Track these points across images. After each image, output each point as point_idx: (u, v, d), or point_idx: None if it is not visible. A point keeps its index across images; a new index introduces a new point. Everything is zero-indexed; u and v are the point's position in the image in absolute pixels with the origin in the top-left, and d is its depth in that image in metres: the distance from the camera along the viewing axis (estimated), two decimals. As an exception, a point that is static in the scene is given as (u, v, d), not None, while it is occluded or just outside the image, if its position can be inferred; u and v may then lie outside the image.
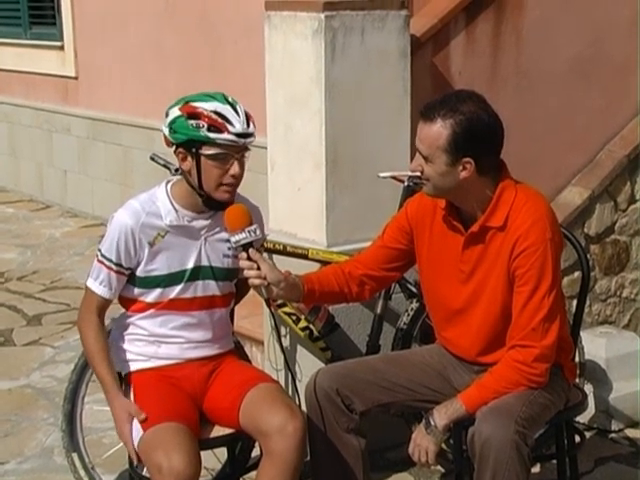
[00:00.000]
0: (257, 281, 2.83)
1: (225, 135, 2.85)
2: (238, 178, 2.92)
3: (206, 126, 2.83)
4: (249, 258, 2.83)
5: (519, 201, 2.83)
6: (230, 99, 2.93)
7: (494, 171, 2.86)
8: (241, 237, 2.82)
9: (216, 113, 2.85)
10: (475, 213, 2.87)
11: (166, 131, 2.92)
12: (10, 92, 8.55)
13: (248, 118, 2.91)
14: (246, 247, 2.83)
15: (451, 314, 3.01)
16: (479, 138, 2.77)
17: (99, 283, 2.97)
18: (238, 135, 2.86)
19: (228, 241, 2.98)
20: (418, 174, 2.86)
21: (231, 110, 2.88)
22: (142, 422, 2.85)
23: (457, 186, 2.81)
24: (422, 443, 2.80)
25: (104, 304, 3.00)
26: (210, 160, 2.87)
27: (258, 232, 2.85)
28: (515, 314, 2.82)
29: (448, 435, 2.81)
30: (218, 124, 2.84)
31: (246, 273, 2.85)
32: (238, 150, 2.89)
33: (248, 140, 2.89)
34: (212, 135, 2.84)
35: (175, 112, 2.89)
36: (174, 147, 2.93)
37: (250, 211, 2.90)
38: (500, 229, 2.83)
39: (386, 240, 3.10)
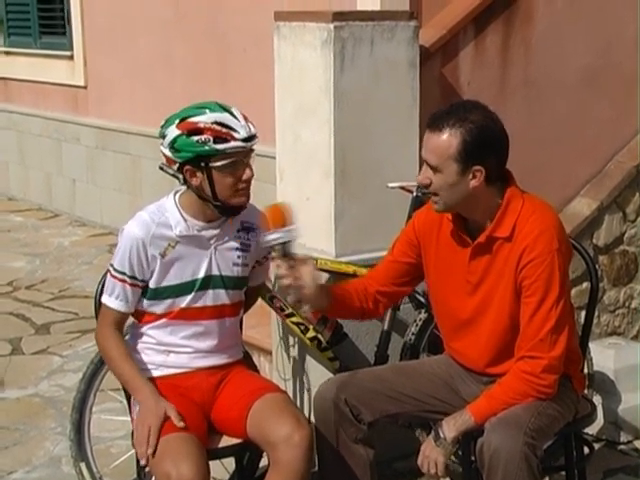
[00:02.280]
0: (287, 281, 2.81)
1: (232, 143, 2.85)
2: (250, 181, 2.93)
3: (212, 139, 2.83)
4: (284, 257, 2.80)
5: (526, 211, 2.82)
6: (224, 106, 2.92)
7: (501, 181, 2.86)
8: (278, 236, 2.78)
9: (217, 123, 2.84)
10: (482, 223, 2.87)
11: (167, 152, 2.90)
12: (20, 101, 8.59)
13: (247, 120, 2.91)
14: (286, 248, 2.80)
15: (459, 325, 3.00)
16: (489, 146, 2.78)
17: (115, 298, 2.96)
18: (244, 140, 2.87)
19: (237, 249, 2.99)
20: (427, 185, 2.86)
21: (230, 117, 2.87)
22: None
23: (467, 196, 2.81)
24: (431, 455, 2.79)
25: (121, 318, 3.00)
26: (222, 171, 2.87)
27: (295, 233, 2.82)
28: (523, 325, 2.81)
29: (457, 447, 2.81)
30: (223, 134, 2.84)
31: (277, 272, 2.84)
32: (246, 154, 2.90)
33: (253, 142, 2.90)
34: (220, 146, 2.84)
35: (174, 131, 2.86)
36: (177, 165, 2.91)
37: (287, 210, 2.83)
38: (507, 239, 2.83)
39: (396, 255, 3.10)
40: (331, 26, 3.59)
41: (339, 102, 3.64)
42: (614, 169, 4.74)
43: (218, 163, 2.86)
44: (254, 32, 5.60)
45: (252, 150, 2.92)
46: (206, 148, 2.83)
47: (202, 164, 2.86)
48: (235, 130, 2.85)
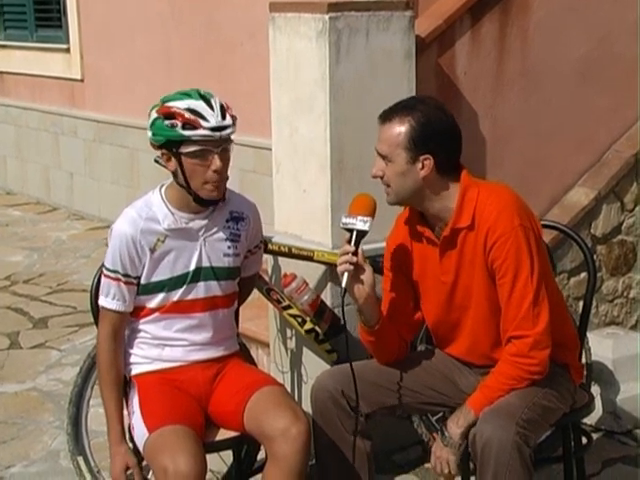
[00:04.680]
0: (343, 266, 2.83)
1: (200, 131, 2.84)
2: (221, 173, 2.90)
3: (180, 124, 2.83)
4: (350, 242, 2.84)
5: (482, 197, 2.85)
6: (204, 94, 2.92)
7: (455, 172, 2.88)
8: (349, 221, 2.85)
9: (189, 110, 2.85)
10: (443, 218, 2.89)
11: (149, 134, 2.92)
12: (17, 95, 8.57)
13: (224, 111, 2.90)
14: (358, 236, 2.85)
15: (449, 328, 3.03)
16: (437, 135, 2.82)
17: (112, 298, 2.96)
18: (213, 129, 2.85)
19: (227, 240, 3.01)
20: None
21: (204, 105, 2.87)
22: (148, 425, 2.85)
23: (419, 188, 2.84)
24: (442, 455, 2.81)
25: (121, 319, 3.00)
26: (190, 158, 2.87)
27: (367, 226, 2.84)
28: (503, 307, 2.83)
29: (465, 442, 2.80)
30: (191, 121, 2.84)
31: (340, 255, 2.85)
32: (217, 144, 2.88)
33: (225, 133, 2.88)
34: (187, 133, 2.83)
35: (153, 114, 2.90)
36: (158, 149, 2.93)
37: (375, 206, 2.88)
38: (470, 228, 2.85)
39: (392, 287, 3.07)
40: (326, 17, 3.58)
41: (335, 93, 3.62)
42: (612, 158, 4.73)
43: (186, 149, 2.86)
44: (251, 26, 5.58)
45: (226, 141, 2.90)
46: (173, 133, 2.84)
47: (174, 150, 2.87)
48: (204, 118, 2.84)
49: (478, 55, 4.22)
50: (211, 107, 2.87)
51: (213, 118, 2.85)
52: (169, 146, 2.87)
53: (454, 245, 2.89)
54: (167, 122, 2.84)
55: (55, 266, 6.58)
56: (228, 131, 2.88)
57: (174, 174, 2.94)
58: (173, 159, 2.89)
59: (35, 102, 8.28)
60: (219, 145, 2.88)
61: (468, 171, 2.91)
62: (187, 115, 2.83)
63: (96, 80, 7.52)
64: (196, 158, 2.86)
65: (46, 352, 5.07)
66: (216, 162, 2.87)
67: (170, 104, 2.88)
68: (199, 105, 2.86)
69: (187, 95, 2.90)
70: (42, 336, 5.28)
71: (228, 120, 2.88)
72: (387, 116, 2.86)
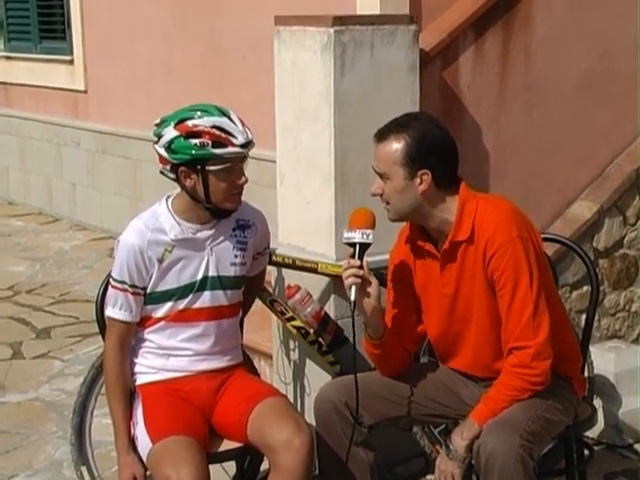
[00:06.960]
0: (351, 280, 2.85)
1: (230, 149, 2.87)
2: (244, 186, 2.96)
3: (210, 143, 2.84)
4: (353, 257, 2.86)
5: (481, 209, 2.86)
6: (221, 109, 2.94)
7: (453, 186, 2.90)
8: (352, 235, 2.87)
9: (216, 128, 2.86)
10: (443, 231, 2.90)
11: (162, 151, 2.91)
12: (20, 106, 8.59)
13: (244, 125, 2.93)
14: (362, 249, 2.87)
15: (451, 341, 3.03)
16: (432, 149, 2.84)
17: (119, 309, 2.98)
18: (242, 146, 2.88)
19: (234, 248, 3.03)
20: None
21: (229, 122, 2.89)
22: (151, 436, 2.86)
23: (418, 203, 2.86)
24: (446, 468, 2.81)
25: (128, 329, 3.01)
26: (217, 175, 2.88)
27: (370, 238, 2.87)
28: (503, 319, 2.83)
29: (470, 456, 2.81)
30: (222, 139, 2.86)
31: (344, 269, 2.87)
32: (241, 160, 2.92)
33: (250, 148, 2.92)
34: (218, 151, 2.85)
35: (171, 132, 2.88)
36: (170, 165, 2.92)
37: (374, 218, 2.89)
38: (469, 241, 2.86)
39: (395, 300, 3.09)
40: (331, 30, 3.60)
41: (339, 106, 3.64)
42: (614, 172, 4.75)
43: (214, 167, 2.88)
44: (253, 38, 5.60)
45: (247, 156, 2.93)
46: (204, 152, 2.84)
47: (198, 167, 2.88)
48: (233, 136, 2.87)
49: (481, 69, 4.24)
50: (234, 123, 2.89)
51: (241, 135, 2.88)
52: (193, 164, 2.88)
53: (454, 258, 2.90)
54: (194, 141, 2.84)
55: (57, 276, 6.58)
56: (252, 146, 2.92)
57: (190, 189, 2.93)
58: (194, 175, 2.90)
59: (38, 113, 8.30)
60: (242, 160, 2.91)
61: (467, 184, 2.93)
62: (217, 133, 2.85)
63: (99, 91, 7.54)
64: (223, 174, 2.88)
65: (49, 362, 5.08)
66: (242, 178, 2.92)
67: (191, 122, 2.87)
68: (224, 122, 2.88)
69: (205, 112, 2.90)
70: (45, 346, 5.29)
71: (250, 135, 2.91)
72: (382, 135, 2.88)
